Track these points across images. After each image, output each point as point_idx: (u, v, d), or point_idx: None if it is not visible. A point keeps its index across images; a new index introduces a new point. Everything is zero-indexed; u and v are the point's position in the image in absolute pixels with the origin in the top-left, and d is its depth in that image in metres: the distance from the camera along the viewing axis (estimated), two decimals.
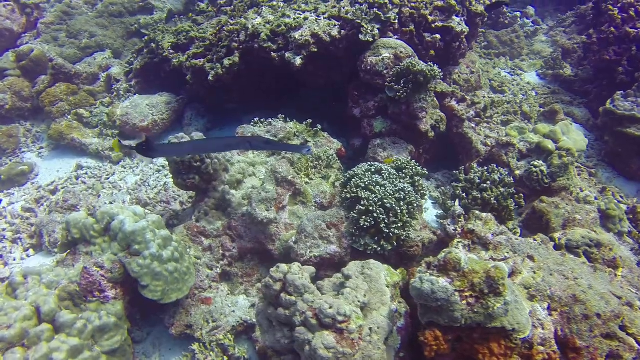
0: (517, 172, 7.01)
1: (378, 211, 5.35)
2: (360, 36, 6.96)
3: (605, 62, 8.98)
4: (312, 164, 6.59)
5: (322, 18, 7.15)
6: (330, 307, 3.93)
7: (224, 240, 5.85)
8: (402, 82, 6.67)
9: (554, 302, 4.02)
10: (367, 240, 5.38)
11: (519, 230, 6.18)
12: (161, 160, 8.25)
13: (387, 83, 6.88)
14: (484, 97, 7.42)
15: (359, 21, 6.89)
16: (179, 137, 5.91)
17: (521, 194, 6.32)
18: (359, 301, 4.17)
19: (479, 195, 5.91)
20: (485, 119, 7.51)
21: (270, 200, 5.75)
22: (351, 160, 7.40)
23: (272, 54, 7.21)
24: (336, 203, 6.07)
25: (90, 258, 4.88)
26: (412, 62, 6.63)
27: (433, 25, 7.36)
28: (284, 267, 4.39)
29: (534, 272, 4.30)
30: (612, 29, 8.81)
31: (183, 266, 5.14)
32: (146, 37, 9.01)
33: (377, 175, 5.81)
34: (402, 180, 5.91)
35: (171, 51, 8.58)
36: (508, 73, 10.55)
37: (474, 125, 7.30)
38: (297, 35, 6.95)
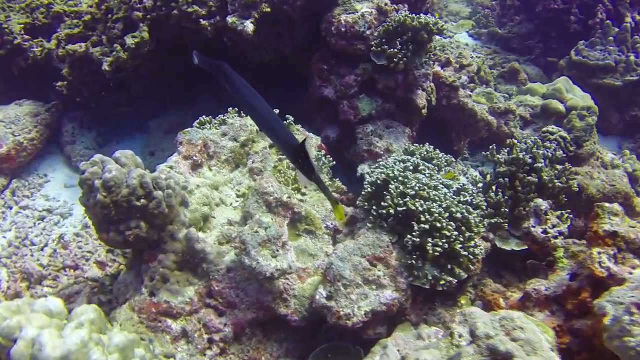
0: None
1: (449, 226, 3.58)
2: None
3: (552, 12, 8.17)
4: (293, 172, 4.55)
5: None
6: None
7: (204, 316, 3.60)
8: (397, 43, 4.90)
9: None
10: (434, 272, 3.59)
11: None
12: (41, 202, 5.46)
13: (373, 47, 5.05)
14: (471, 57, 6.02)
15: None
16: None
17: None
18: None
19: (535, 180, 4.42)
20: (478, 85, 6.10)
21: (274, 239, 3.63)
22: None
23: (202, 21, 4.92)
24: (360, 223, 4.13)
25: None
26: (408, 16, 4.89)
27: None
28: None
29: None
30: None
31: None
32: None
33: (420, 175, 4.01)
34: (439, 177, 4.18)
35: (25, 37, 5.73)
36: (441, 37, 9.35)
37: (470, 93, 5.83)
38: None
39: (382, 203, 3.85)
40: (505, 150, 4.60)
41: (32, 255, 4.61)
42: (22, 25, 5.73)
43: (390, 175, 3.95)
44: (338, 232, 4.21)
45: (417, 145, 4.69)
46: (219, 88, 6.93)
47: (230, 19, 4.77)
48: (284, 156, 4.32)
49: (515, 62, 7.99)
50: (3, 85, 6.16)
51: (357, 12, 5.08)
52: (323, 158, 4.61)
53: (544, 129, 5.72)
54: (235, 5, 4.80)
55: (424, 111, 5.47)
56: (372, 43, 5.06)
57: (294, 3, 5.09)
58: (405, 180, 3.88)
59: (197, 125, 4.54)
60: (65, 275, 4.37)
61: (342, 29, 5.05)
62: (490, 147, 4.71)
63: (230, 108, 4.81)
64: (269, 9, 4.88)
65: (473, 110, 5.69)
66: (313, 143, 4.94)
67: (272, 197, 3.91)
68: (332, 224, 4.20)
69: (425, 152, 4.55)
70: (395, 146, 5.19)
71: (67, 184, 5.73)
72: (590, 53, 7.26)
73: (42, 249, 4.72)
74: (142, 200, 3.46)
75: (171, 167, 4.11)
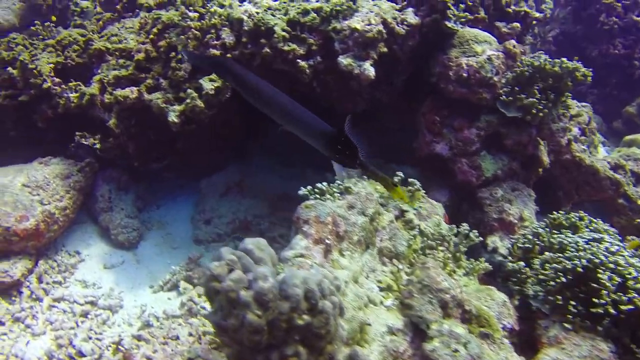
0: None
1: None
2: (447, 23, 4.20)
3: (610, 57, 7.70)
4: (437, 250, 3.57)
5: None
6: None
7: None
8: (535, 91, 4.11)
9: None
10: None
11: None
12: (79, 290, 4.20)
13: (501, 97, 4.23)
14: (577, 106, 5.32)
15: None
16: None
17: None
18: None
19: None
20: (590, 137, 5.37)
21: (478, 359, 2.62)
22: None
23: (301, 62, 3.97)
24: (544, 322, 3.17)
25: None
26: (548, 60, 4.12)
27: (509, 10, 4.96)
28: None
29: None
30: (615, 18, 7.57)
31: None
32: None
33: (619, 257, 3.12)
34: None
35: (56, 80, 4.59)
36: None
37: (585, 148, 5.08)
38: (357, 24, 3.86)
39: (594, 300, 2.92)
40: None
41: None
42: (52, 66, 4.58)
43: (596, 261, 3.04)
44: (514, 334, 3.23)
45: (572, 214, 3.83)
46: (272, 140, 5.96)
47: (344, 61, 3.84)
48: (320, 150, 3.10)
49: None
50: (20, 139, 4.92)
51: (478, 54, 4.26)
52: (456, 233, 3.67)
53: None
54: (347, 44, 3.88)
55: (540, 169, 4.67)
56: (500, 91, 4.24)
57: (404, 43, 4.23)
58: (620, 267, 2.98)
59: (318, 196, 3.51)
60: None
61: (464, 75, 4.22)
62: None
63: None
64: (385, 49, 3.99)
65: (593, 167, 4.92)
66: (439, 212, 4.00)
67: (449, 295, 2.93)
68: (508, 323, 3.21)
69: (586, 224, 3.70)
70: (526, 213, 4.32)
71: (108, 263, 4.51)
72: None
73: None
74: (305, 317, 2.39)
75: (302, 256, 3.04)
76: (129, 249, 4.70)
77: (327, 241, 3.22)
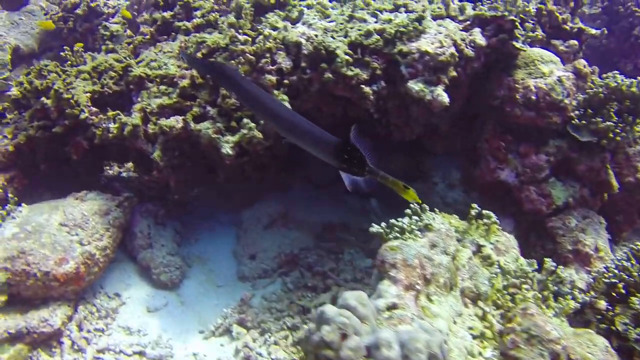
0: None
1: None
2: (515, 43, 3.96)
3: None
4: (522, 289, 3.29)
5: (430, 19, 3.94)
6: None
7: None
8: (613, 114, 3.86)
9: None
10: None
11: None
12: (123, 338, 3.84)
13: (573, 120, 3.99)
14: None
15: (513, 17, 3.89)
16: None
17: None
18: None
19: None
20: None
21: None
22: None
23: (365, 88, 3.70)
24: None
25: None
26: (625, 80, 3.89)
27: (565, 27, 4.74)
28: None
29: None
30: None
31: None
32: (21, 87, 4.43)
33: None
34: None
35: (93, 109, 4.29)
36: None
37: None
38: (427, 47, 3.60)
39: None
40: None
41: None
42: (89, 95, 4.28)
43: None
44: None
45: None
46: (313, 170, 5.66)
47: (416, 86, 3.57)
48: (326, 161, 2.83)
49: None
50: (51, 174, 4.59)
51: (546, 75, 4.02)
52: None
53: None
54: (416, 68, 3.62)
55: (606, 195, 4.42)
56: (572, 115, 4.00)
57: (467, 65, 3.98)
58: None
59: (398, 234, 3.21)
60: None
61: (532, 97, 3.97)
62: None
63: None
64: (455, 73, 3.74)
65: None
66: (514, 246, 3.72)
67: (560, 346, 2.63)
68: None
69: None
70: (601, 243, 4.05)
71: (151, 306, 4.17)
72: None
73: None
74: None
75: (395, 307, 2.73)
76: (172, 289, 4.37)
77: (417, 287, 2.92)
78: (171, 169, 4.22)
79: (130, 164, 4.99)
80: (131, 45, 5.02)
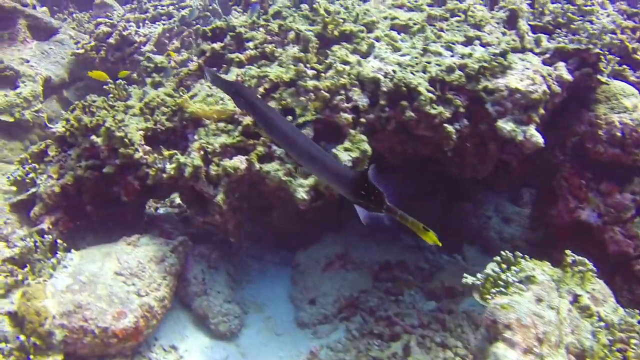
0: None
1: None
2: (600, 77, 3.76)
3: None
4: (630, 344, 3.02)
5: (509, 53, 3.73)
6: None
7: None
8: None
9: None
10: None
11: None
12: None
13: None
14: None
15: (598, 50, 3.69)
16: None
17: None
18: None
19: None
20: None
21: None
22: None
23: (448, 127, 3.47)
24: None
25: None
26: None
27: (636, 57, 4.56)
28: None
29: None
30: None
31: None
32: (67, 124, 4.16)
33: None
34: None
35: (147, 148, 4.03)
36: None
37: None
38: (517, 84, 3.39)
39: None
40: None
41: None
42: (142, 133, 4.02)
43: None
44: None
45: None
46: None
47: (507, 126, 3.34)
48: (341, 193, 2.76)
49: None
50: (96, 217, 4.30)
51: (629, 110, 3.81)
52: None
53: None
54: (505, 106, 3.40)
55: None
56: None
57: (550, 101, 3.76)
58: None
59: (502, 289, 2.94)
60: None
61: (617, 134, 3.76)
62: None
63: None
64: (543, 111, 3.52)
65: None
66: (608, 292, 3.46)
67: None
68: None
69: None
70: None
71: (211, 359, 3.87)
72: None
73: None
74: None
75: None
76: (230, 339, 4.07)
77: (535, 349, 2.65)
78: (232, 211, 3.95)
79: (177, 203, 4.73)
80: (177, 77, 4.77)
